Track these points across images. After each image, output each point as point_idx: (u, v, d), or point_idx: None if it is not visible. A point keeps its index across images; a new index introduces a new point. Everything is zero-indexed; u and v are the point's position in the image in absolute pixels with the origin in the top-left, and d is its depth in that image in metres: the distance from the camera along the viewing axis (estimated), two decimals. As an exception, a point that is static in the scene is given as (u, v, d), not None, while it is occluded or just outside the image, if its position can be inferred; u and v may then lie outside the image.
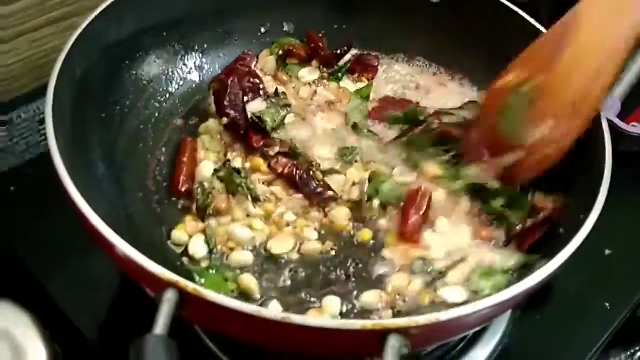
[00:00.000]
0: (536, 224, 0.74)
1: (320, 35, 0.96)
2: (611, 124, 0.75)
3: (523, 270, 0.69)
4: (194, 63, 0.92)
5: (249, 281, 0.70)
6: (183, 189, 0.78)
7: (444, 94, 0.93)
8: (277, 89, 0.88)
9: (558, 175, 0.76)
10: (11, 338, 0.63)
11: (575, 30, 0.70)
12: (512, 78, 0.74)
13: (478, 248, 0.74)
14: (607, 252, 0.86)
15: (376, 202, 0.78)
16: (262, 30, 0.96)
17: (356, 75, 0.95)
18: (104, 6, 0.79)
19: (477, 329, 0.70)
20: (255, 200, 0.77)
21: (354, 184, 0.80)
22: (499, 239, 0.75)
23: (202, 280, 0.70)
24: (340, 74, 0.95)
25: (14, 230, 0.82)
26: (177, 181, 0.79)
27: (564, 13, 1.11)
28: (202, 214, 0.76)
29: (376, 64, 0.95)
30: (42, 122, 0.94)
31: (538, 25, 0.86)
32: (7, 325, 0.63)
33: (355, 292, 0.71)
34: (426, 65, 0.97)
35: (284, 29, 0.97)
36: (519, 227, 0.74)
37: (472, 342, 0.77)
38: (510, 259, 0.72)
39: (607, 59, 0.70)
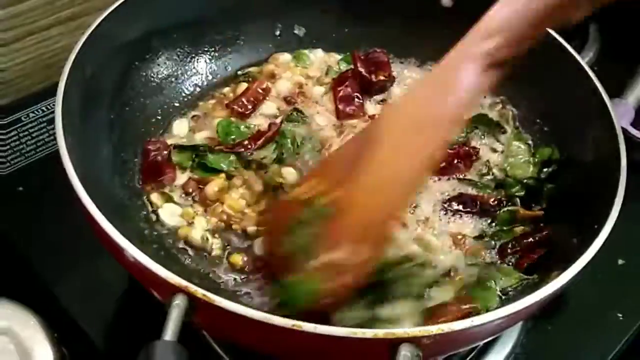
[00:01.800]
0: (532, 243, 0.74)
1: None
2: (625, 132, 0.74)
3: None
4: (204, 65, 0.92)
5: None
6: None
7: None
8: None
9: (572, 185, 0.76)
10: (19, 340, 0.63)
11: (374, 145, 0.61)
12: (307, 189, 0.64)
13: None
14: (620, 261, 0.85)
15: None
16: (273, 33, 0.96)
17: (373, 76, 0.93)
18: (114, 6, 0.79)
19: (489, 339, 0.69)
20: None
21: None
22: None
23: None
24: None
25: (21, 232, 0.81)
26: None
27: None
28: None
29: (386, 59, 0.94)
30: (51, 121, 0.94)
31: (551, 31, 0.85)
32: (15, 327, 0.63)
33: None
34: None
35: (295, 32, 0.97)
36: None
37: (484, 351, 0.76)
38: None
39: (403, 183, 0.61)
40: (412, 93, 0.68)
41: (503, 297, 0.71)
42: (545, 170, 0.82)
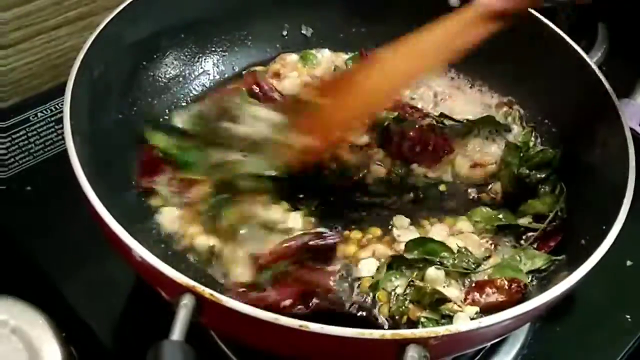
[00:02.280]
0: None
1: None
2: (634, 133, 0.74)
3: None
4: (211, 65, 0.92)
5: None
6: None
7: (461, 100, 0.93)
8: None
9: (580, 185, 0.75)
10: (27, 339, 0.63)
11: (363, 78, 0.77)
12: (306, 92, 0.83)
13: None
14: (628, 263, 0.85)
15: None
16: (280, 33, 0.96)
17: None
18: (122, 7, 0.79)
19: (497, 340, 0.69)
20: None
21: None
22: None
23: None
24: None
25: (29, 231, 0.82)
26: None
27: (583, 17, 1.13)
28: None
29: None
30: (59, 121, 0.95)
31: (559, 31, 0.85)
32: (23, 326, 0.63)
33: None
34: (444, 71, 0.96)
35: (302, 32, 0.97)
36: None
37: (491, 352, 0.76)
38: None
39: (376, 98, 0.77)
40: (411, 36, 0.78)
41: (534, 281, 0.71)
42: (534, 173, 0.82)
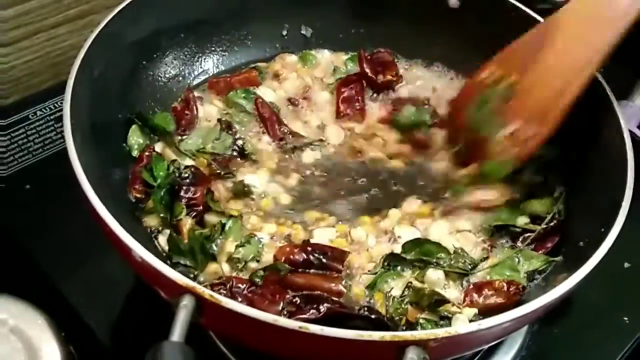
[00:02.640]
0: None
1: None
2: (632, 135, 0.74)
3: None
4: (211, 65, 0.92)
5: None
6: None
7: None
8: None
9: (579, 187, 0.75)
10: (27, 339, 0.63)
11: (551, 38, 0.71)
12: (488, 74, 0.76)
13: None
14: (626, 265, 0.85)
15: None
16: (280, 33, 0.96)
17: (380, 76, 0.93)
18: (122, 5, 0.79)
19: (496, 342, 0.69)
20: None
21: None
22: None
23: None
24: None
25: (29, 230, 0.82)
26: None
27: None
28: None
29: (391, 58, 0.94)
30: (58, 119, 0.94)
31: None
32: (22, 326, 0.63)
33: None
34: (444, 71, 0.96)
35: (302, 32, 0.97)
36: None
37: (489, 354, 0.76)
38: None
39: (580, 70, 0.70)
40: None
41: (531, 282, 0.71)
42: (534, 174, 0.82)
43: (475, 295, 0.69)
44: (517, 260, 0.73)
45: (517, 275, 0.71)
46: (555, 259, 0.72)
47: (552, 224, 0.76)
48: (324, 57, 0.97)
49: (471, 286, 0.70)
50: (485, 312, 0.67)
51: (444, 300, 0.67)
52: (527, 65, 0.72)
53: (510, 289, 0.68)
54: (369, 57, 0.93)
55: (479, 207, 0.78)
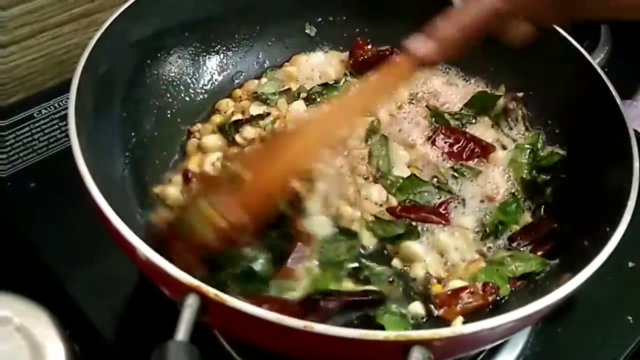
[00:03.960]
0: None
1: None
2: (637, 134, 0.74)
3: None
4: (215, 64, 0.92)
5: None
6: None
7: (456, 93, 0.93)
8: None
9: (583, 187, 0.75)
10: (31, 337, 0.63)
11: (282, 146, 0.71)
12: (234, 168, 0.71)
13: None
14: (630, 264, 0.85)
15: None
16: (284, 32, 0.96)
17: None
18: (127, 4, 0.79)
19: (500, 341, 0.69)
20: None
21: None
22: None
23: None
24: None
25: (33, 228, 0.82)
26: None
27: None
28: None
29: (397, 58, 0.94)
30: (63, 118, 0.95)
31: (562, 31, 0.85)
32: (26, 324, 0.63)
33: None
34: (446, 69, 0.96)
35: (306, 32, 0.97)
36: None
37: (493, 354, 0.76)
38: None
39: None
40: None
41: (532, 284, 0.72)
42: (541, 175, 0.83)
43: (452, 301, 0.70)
44: (510, 261, 0.73)
45: (502, 282, 0.72)
46: (552, 261, 0.73)
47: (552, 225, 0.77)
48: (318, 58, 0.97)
49: (449, 292, 0.71)
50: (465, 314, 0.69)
51: None
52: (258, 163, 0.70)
53: (486, 290, 0.70)
54: (374, 51, 0.94)
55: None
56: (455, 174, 0.82)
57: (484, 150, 0.85)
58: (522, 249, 0.76)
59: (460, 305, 0.69)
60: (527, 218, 0.80)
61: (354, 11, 0.96)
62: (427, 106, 0.90)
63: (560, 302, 0.58)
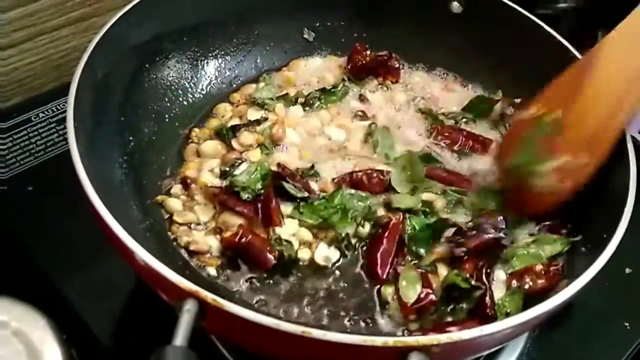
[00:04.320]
0: None
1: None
2: (634, 141, 0.74)
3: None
4: (214, 68, 0.92)
5: None
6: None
7: (455, 99, 0.94)
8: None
9: (580, 193, 0.75)
10: (28, 341, 0.62)
11: (593, 68, 0.71)
12: (534, 111, 0.76)
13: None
14: (627, 270, 0.85)
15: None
16: (282, 37, 0.96)
17: (380, 78, 0.94)
18: (125, 9, 0.79)
19: (497, 347, 0.69)
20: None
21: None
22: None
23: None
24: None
25: (30, 231, 0.81)
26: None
27: (585, 25, 1.13)
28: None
29: (397, 65, 0.95)
30: (60, 122, 0.95)
31: (560, 38, 0.85)
32: (24, 328, 0.63)
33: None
34: (444, 75, 0.96)
35: (304, 36, 0.97)
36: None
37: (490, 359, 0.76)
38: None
39: (624, 94, 0.70)
40: (627, 23, 0.73)
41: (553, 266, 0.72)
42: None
43: (516, 283, 0.71)
44: (536, 246, 0.74)
45: (541, 261, 0.72)
46: (576, 238, 0.73)
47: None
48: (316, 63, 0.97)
49: (510, 275, 0.72)
50: (532, 296, 0.69)
51: None
52: (571, 99, 0.72)
53: (551, 270, 0.70)
54: (373, 56, 0.94)
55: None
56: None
57: (483, 145, 0.86)
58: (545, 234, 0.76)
59: (527, 287, 0.70)
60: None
61: (353, 16, 0.97)
62: (420, 110, 0.91)
63: (557, 308, 0.59)
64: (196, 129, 0.87)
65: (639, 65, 0.70)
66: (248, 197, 0.76)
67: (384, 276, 0.72)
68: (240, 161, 0.80)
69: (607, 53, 0.72)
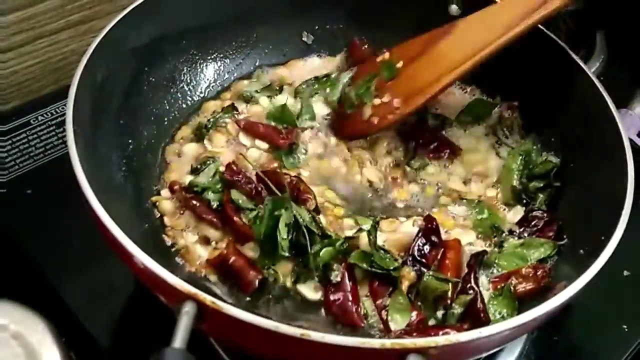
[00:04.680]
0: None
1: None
2: (632, 143, 0.75)
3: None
4: (213, 71, 0.92)
5: None
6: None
7: (453, 102, 0.94)
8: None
9: (578, 195, 0.76)
10: (27, 344, 0.62)
11: (439, 39, 0.83)
12: (385, 57, 0.89)
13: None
14: (625, 273, 0.85)
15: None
16: (281, 40, 0.97)
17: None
18: (124, 12, 0.79)
19: (497, 349, 0.69)
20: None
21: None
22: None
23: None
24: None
25: (29, 234, 0.82)
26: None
27: (583, 25, 1.13)
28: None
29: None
30: (59, 125, 0.95)
31: (557, 40, 0.85)
32: (23, 331, 0.63)
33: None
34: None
35: (303, 39, 0.97)
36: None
37: (489, 361, 0.77)
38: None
39: (449, 71, 0.81)
40: (486, 10, 0.82)
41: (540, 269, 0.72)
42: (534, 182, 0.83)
43: (502, 285, 0.71)
44: (523, 250, 0.74)
45: (525, 264, 0.73)
46: (562, 242, 0.74)
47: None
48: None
49: (497, 278, 0.72)
50: (520, 299, 0.70)
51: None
52: (415, 56, 0.85)
53: (538, 273, 0.71)
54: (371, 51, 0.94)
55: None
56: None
57: (453, 150, 0.87)
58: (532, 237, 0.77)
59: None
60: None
61: (351, 19, 0.97)
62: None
63: (556, 311, 0.59)
64: (179, 130, 0.87)
65: (478, 45, 0.79)
66: (217, 205, 0.74)
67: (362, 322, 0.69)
68: (211, 160, 0.79)
69: (456, 31, 0.82)
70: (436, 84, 0.82)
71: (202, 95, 0.91)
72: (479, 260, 0.73)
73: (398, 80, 0.86)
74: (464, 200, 0.82)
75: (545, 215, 0.78)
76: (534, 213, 0.78)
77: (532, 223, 0.78)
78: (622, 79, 1.07)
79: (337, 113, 0.89)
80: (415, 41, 0.87)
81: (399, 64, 0.86)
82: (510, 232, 0.78)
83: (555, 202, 0.81)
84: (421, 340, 0.53)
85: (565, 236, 0.76)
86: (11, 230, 0.83)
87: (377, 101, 0.86)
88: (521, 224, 0.78)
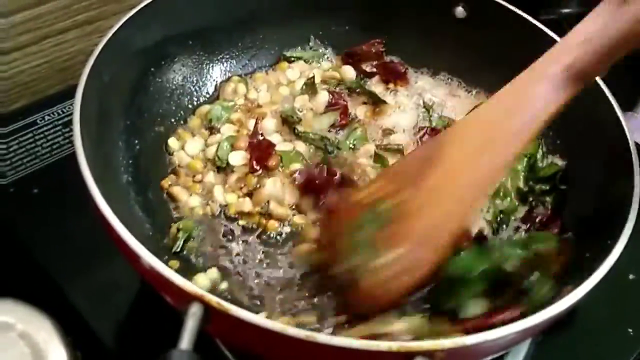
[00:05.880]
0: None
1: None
2: (638, 147, 0.75)
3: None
4: (219, 72, 0.93)
5: None
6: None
7: (459, 105, 0.94)
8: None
9: (583, 199, 0.76)
10: (33, 343, 0.63)
11: (443, 154, 0.63)
12: (368, 193, 0.66)
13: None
14: (631, 276, 0.85)
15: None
16: (287, 42, 0.97)
17: (391, 84, 0.95)
18: (131, 13, 0.79)
19: (502, 352, 0.69)
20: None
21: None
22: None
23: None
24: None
25: (36, 234, 0.82)
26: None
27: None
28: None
29: (403, 69, 0.95)
30: (66, 124, 0.95)
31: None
32: (30, 330, 0.63)
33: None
34: (448, 80, 0.97)
35: (309, 42, 0.98)
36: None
37: (493, 365, 0.76)
38: None
39: (468, 195, 0.62)
40: (482, 109, 0.67)
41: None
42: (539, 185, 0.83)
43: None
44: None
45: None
46: (566, 235, 0.73)
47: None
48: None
49: None
50: None
51: None
52: (416, 183, 0.62)
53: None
54: (381, 65, 0.95)
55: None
56: None
57: None
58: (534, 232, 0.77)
59: None
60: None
61: (357, 22, 0.97)
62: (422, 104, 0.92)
63: (561, 315, 0.59)
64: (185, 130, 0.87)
65: (489, 164, 0.62)
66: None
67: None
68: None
69: (460, 140, 0.64)
70: (456, 214, 0.62)
71: (208, 96, 0.91)
72: None
73: (405, 220, 0.62)
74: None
75: (549, 212, 0.78)
76: (538, 209, 0.79)
77: (537, 220, 0.78)
78: (627, 82, 1.06)
79: None
80: (405, 163, 0.69)
81: (397, 199, 0.62)
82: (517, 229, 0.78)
83: (561, 205, 0.81)
84: (428, 343, 0.53)
85: (570, 232, 0.75)
86: (17, 230, 0.83)
87: (388, 257, 0.61)
88: (525, 221, 0.78)
